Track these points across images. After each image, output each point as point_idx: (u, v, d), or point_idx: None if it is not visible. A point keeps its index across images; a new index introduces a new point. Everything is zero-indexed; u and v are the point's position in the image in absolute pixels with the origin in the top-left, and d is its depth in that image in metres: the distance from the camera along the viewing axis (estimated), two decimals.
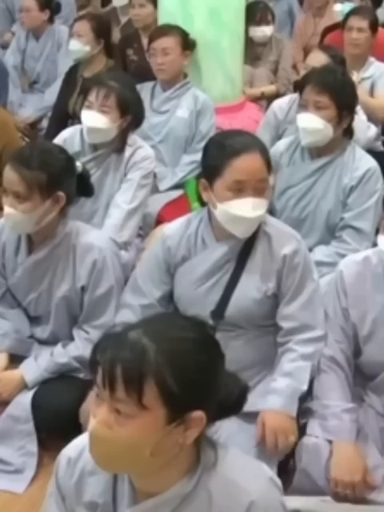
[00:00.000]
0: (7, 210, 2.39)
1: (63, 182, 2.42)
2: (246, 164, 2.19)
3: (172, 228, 2.43)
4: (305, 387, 2.23)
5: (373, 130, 3.90)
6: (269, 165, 2.25)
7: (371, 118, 4.06)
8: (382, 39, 5.24)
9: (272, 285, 2.29)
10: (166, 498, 1.39)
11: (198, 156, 3.80)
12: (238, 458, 1.47)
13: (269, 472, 1.48)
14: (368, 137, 3.57)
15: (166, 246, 2.39)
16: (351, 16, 4.59)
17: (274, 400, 2.21)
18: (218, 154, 2.24)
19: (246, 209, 2.20)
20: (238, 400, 1.45)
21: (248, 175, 2.19)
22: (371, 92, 4.38)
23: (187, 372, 1.33)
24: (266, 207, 2.26)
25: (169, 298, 2.45)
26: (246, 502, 1.38)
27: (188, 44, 4.02)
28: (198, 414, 1.34)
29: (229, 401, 1.42)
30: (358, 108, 3.56)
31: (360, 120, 3.25)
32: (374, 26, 4.53)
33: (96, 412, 1.34)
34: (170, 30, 3.99)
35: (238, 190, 2.19)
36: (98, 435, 1.33)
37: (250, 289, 2.29)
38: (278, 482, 1.48)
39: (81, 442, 1.52)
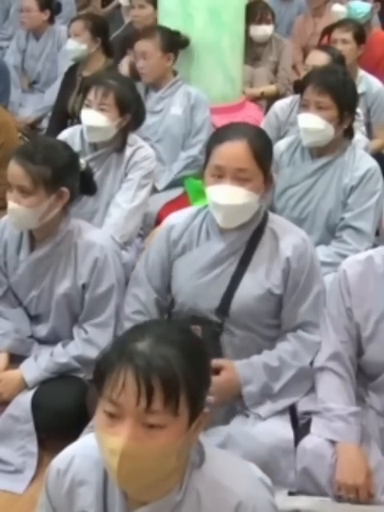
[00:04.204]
0: (11, 205, 2.38)
1: (67, 178, 2.42)
2: (225, 150, 2.20)
3: (178, 218, 2.42)
4: (275, 390, 2.25)
5: (363, 143, 3.88)
6: (259, 157, 2.21)
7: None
8: (381, 39, 5.31)
9: (277, 283, 2.27)
10: (159, 506, 1.38)
11: (193, 151, 3.86)
12: (226, 460, 1.47)
13: (257, 472, 1.48)
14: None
15: (169, 235, 2.39)
16: (335, 29, 4.59)
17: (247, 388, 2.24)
18: (210, 141, 2.30)
19: (221, 195, 2.20)
20: None
21: (226, 161, 2.19)
22: (368, 113, 4.35)
23: (202, 370, 1.35)
24: (250, 199, 2.21)
25: (169, 288, 2.45)
26: (233, 503, 1.37)
27: (172, 46, 3.96)
28: (206, 410, 1.36)
29: None
30: (359, 110, 3.56)
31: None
32: (359, 37, 4.50)
33: (115, 430, 1.29)
34: (150, 32, 3.97)
35: (218, 175, 2.21)
36: (130, 452, 1.27)
37: (254, 285, 2.27)
38: (268, 481, 1.48)
39: (69, 452, 1.51)
